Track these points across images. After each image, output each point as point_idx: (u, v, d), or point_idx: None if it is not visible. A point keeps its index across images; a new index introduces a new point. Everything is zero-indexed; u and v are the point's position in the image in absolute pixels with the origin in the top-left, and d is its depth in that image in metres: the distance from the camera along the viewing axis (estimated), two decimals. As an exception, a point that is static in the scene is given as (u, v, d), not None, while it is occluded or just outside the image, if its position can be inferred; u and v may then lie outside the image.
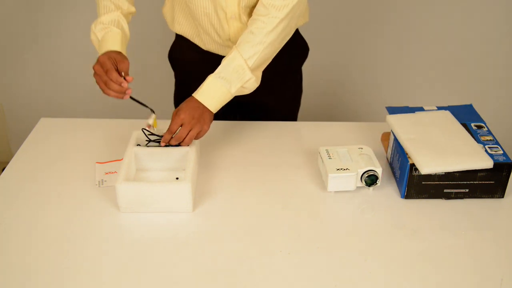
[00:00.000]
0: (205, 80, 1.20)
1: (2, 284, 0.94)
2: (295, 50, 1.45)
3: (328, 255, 1.01)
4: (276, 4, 1.17)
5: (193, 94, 1.21)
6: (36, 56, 2.33)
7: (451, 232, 1.07)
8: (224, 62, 1.21)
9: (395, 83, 2.43)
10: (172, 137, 1.17)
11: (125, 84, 1.15)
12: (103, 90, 1.16)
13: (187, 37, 1.42)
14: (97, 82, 1.17)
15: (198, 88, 1.20)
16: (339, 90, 2.46)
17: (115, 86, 1.14)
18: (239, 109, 1.56)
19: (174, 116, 1.18)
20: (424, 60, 2.35)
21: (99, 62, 1.17)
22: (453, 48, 2.30)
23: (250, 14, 1.29)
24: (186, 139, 1.17)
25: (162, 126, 1.28)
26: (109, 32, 1.23)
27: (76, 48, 2.31)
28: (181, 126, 1.17)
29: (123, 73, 1.17)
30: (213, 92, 1.19)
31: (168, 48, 1.55)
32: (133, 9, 1.30)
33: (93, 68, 1.17)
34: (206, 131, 1.19)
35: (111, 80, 1.14)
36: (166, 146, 1.20)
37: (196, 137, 1.19)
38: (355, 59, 2.37)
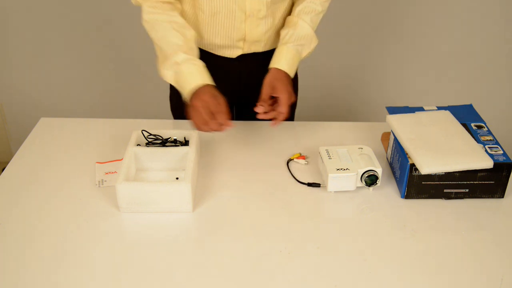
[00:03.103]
0: (281, 51, 1.27)
1: (2, 283, 0.94)
2: None
3: (328, 255, 1.01)
4: None
5: (276, 66, 1.25)
6: (36, 56, 2.33)
7: (451, 232, 1.07)
8: (292, 31, 1.28)
9: (395, 83, 2.43)
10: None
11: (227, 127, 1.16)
12: (199, 127, 1.16)
13: None
14: (193, 116, 1.16)
15: (276, 59, 1.26)
16: (339, 90, 2.46)
17: (215, 127, 1.15)
18: (235, 108, 1.55)
19: (285, 95, 1.21)
20: (424, 60, 2.35)
21: (202, 100, 1.14)
22: (453, 48, 2.31)
23: (273, 8, 1.30)
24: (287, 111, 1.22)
25: (159, 126, 1.28)
26: (197, 64, 1.20)
27: (77, 48, 2.31)
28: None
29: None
30: (291, 60, 1.27)
31: None
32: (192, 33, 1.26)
33: (195, 105, 1.15)
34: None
35: (215, 122, 1.14)
36: (165, 146, 1.20)
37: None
38: (355, 59, 2.37)
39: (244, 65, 1.40)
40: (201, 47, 1.39)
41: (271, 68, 1.27)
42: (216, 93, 1.17)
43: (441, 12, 2.23)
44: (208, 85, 1.18)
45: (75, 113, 2.46)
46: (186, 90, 1.19)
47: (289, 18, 1.32)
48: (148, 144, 1.23)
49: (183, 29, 1.24)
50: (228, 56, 1.38)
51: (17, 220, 1.08)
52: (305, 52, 1.32)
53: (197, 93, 1.16)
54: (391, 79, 2.42)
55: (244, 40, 1.34)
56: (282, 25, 1.36)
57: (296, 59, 1.29)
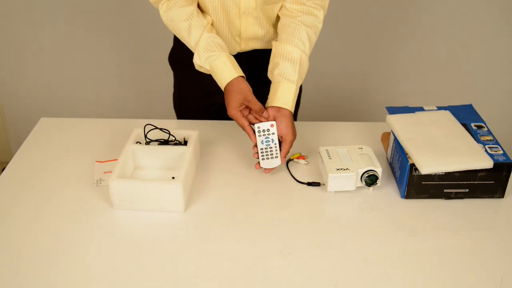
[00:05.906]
0: (281, 87, 1.24)
1: (2, 281, 0.94)
2: None
3: (328, 255, 1.01)
4: (323, 4, 1.29)
5: (282, 106, 1.23)
6: (36, 56, 2.33)
7: (451, 232, 1.07)
8: (291, 64, 1.25)
9: (395, 83, 2.43)
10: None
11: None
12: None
13: None
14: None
15: (277, 97, 1.24)
16: (339, 90, 2.46)
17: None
18: None
19: (291, 140, 1.23)
20: (424, 60, 2.35)
21: (232, 116, 1.21)
22: (453, 48, 2.30)
23: (266, 9, 1.29)
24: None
25: (160, 126, 1.28)
26: (216, 60, 1.23)
27: (76, 48, 2.31)
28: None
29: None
30: (293, 97, 1.24)
31: (166, 47, 1.54)
32: (209, 18, 1.29)
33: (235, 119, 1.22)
34: None
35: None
36: (164, 144, 1.20)
37: None
38: (355, 59, 2.37)
39: (244, 62, 1.39)
40: None
41: (275, 107, 1.24)
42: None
43: (441, 12, 2.23)
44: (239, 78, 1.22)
45: (75, 113, 2.46)
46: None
47: (282, 38, 1.29)
48: (148, 143, 1.23)
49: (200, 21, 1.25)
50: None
51: (17, 219, 1.08)
52: (301, 80, 1.30)
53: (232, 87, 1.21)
54: (391, 79, 2.42)
55: (239, 36, 1.34)
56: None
57: (296, 94, 1.27)
